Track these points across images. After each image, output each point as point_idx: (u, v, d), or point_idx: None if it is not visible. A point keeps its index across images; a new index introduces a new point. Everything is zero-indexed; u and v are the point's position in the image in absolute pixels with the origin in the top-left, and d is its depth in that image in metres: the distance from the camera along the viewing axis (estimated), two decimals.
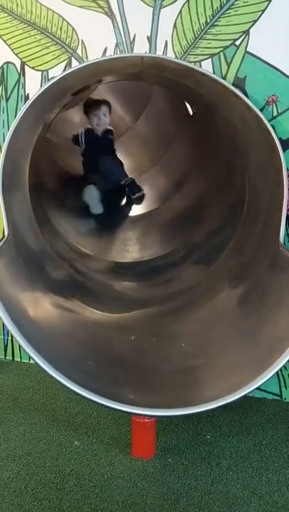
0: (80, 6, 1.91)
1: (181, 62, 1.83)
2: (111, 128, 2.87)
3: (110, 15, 1.90)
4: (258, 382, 1.32)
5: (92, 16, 1.91)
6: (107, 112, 2.81)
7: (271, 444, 1.74)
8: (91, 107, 2.82)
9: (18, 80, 2.02)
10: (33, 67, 2.00)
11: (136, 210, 2.70)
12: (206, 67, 1.86)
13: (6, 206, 1.78)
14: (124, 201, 2.79)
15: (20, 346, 2.23)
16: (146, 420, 1.61)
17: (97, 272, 2.33)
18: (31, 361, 2.22)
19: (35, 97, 1.72)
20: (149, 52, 1.90)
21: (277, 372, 1.37)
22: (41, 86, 1.95)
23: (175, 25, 1.86)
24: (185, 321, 1.79)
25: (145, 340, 1.75)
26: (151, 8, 1.87)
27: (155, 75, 2.17)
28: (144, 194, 2.74)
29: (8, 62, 2.02)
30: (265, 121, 1.74)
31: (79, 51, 1.95)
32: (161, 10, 1.86)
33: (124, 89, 2.94)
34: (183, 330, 1.72)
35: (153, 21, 1.88)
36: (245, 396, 1.33)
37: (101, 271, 2.34)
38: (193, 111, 2.58)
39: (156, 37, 1.89)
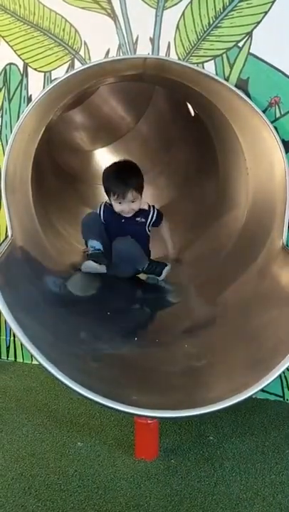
0: (83, 8, 1.91)
1: (183, 63, 1.83)
2: (145, 207, 2.26)
3: (113, 16, 1.90)
4: (262, 384, 1.32)
5: (95, 17, 1.92)
6: (137, 196, 2.19)
7: (274, 445, 1.74)
8: (111, 191, 2.19)
9: (21, 81, 2.03)
10: (35, 69, 2.00)
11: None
12: (209, 68, 1.86)
13: (9, 207, 1.79)
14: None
15: (22, 347, 2.24)
16: (149, 421, 1.61)
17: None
18: (34, 362, 2.22)
19: (38, 99, 1.73)
20: (152, 53, 1.90)
21: (280, 374, 1.36)
22: (44, 87, 1.95)
23: (178, 27, 1.86)
24: (188, 322, 1.79)
25: (148, 341, 1.75)
26: (154, 10, 1.87)
27: (157, 76, 2.17)
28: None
29: (10, 64, 2.02)
30: (268, 123, 1.74)
31: (82, 52, 1.95)
32: (164, 11, 1.87)
33: (125, 90, 2.95)
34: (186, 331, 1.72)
35: (156, 23, 1.88)
36: (248, 397, 1.34)
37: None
38: (194, 112, 2.58)
39: (158, 38, 1.89)
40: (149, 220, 2.26)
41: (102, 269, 2.16)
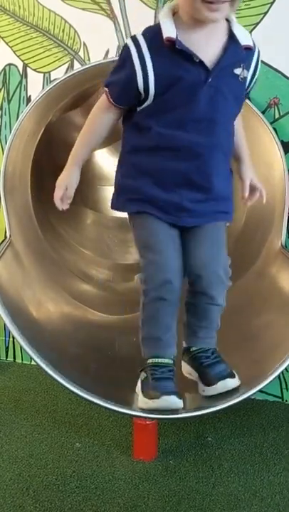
0: (83, 9, 1.92)
1: None
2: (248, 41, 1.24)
3: (112, 17, 1.91)
4: (260, 385, 1.33)
5: (95, 18, 1.92)
6: None
7: (273, 446, 1.74)
8: None
9: (20, 82, 2.03)
10: (35, 69, 2.00)
11: None
12: None
13: (7, 207, 1.79)
14: None
15: (21, 348, 2.23)
16: (147, 422, 1.61)
17: (98, 273, 2.33)
18: (32, 363, 2.22)
19: (37, 99, 1.73)
20: None
21: (278, 375, 1.37)
22: (43, 88, 1.95)
23: None
24: None
25: None
26: (154, 11, 1.87)
27: None
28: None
29: (10, 64, 2.02)
30: (267, 124, 1.74)
31: (81, 53, 1.95)
32: None
33: None
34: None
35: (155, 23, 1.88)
36: (246, 398, 1.34)
37: (102, 272, 2.34)
38: None
39: None
40: (252, 69, 1.24)
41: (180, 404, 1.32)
